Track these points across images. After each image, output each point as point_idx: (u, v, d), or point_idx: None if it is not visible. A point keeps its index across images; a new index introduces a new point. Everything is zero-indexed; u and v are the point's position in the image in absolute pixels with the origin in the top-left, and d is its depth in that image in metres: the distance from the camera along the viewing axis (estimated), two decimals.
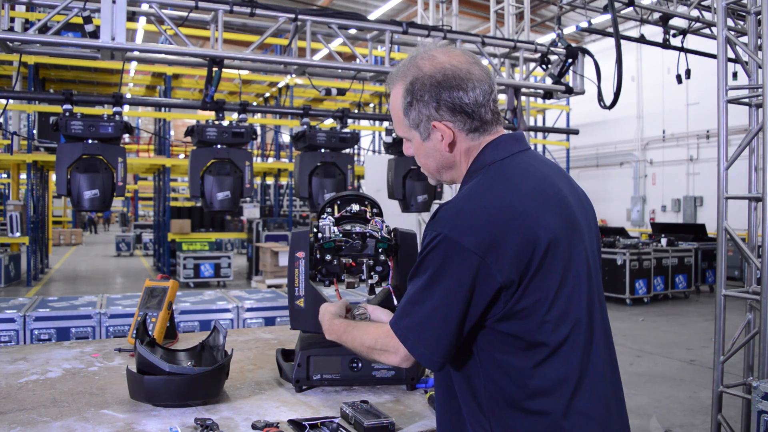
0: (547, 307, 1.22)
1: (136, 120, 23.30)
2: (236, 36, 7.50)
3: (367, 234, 1.88)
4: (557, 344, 1.22)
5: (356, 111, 6.04)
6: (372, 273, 1.90)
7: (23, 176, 14.54)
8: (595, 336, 1.29)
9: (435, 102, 1.30)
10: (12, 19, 5.98)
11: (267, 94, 18.61)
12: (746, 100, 4.12)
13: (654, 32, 6.15)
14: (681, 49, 6.08)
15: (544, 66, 5.21)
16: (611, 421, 1.28)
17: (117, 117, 3.59)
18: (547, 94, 5.40)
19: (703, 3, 5.90)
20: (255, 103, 18.43)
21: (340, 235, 1.86)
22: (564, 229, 1.26)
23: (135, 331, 2.03)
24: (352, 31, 4.50)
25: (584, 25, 6.72)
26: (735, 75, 5.61)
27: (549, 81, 5.32)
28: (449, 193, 7.05)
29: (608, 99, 4.99)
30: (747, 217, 4.25)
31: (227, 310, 4.44)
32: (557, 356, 1.22)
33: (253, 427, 1.54)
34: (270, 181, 21.48)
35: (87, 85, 16.46)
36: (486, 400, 1.26)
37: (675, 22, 5.99)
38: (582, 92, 5.27)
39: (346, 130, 4.33)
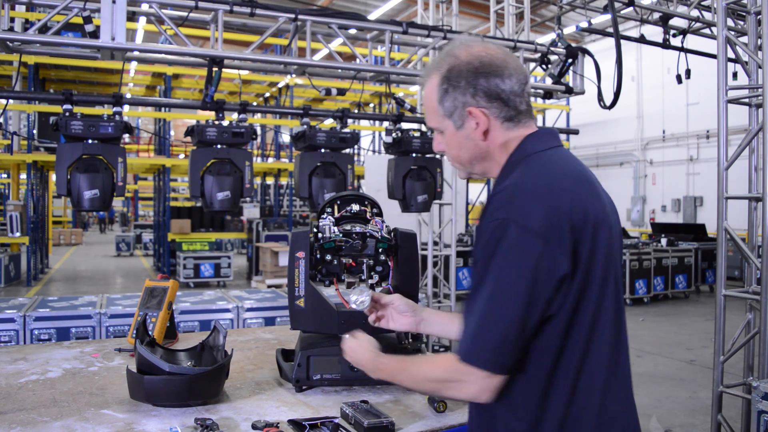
0: (589, 298, 1.20)
1: (136, 120, 23.30)
2: (236, 36, 7.49)
3: (367, 234, 1.88)
4: (591, 342, 1.22)
5: (356, 111, 6.04)
6: (372, 273, 1.90)
7: (23, 176, 14.54)
8: (621, 335, 1.30)
9: (472, 88, 1.30)
10: (12, 19, 5.98)
11: (267, 94, 18.60)
12: (746, 100, 4.12)
13: (654, 32, 6.14)
14: (681, 49, 6.08)
15: (544, 66, 5.21)
16: (632, 421, 1.30)
17: (117, 117, 3.59)
18: (547, 94, 5.39)
19: (703, 3, 5.89)
20: (255, 103, 18.42)
21: (340, 235, 1.86)
22: (604, 221, 1.26)
23: (135, 331, 2.03)
24: (352, 31, 4.49)
25: (584, 25, 6.71)
26: (735, 75, 5.61)
27: (549, 81, 5.31)
28: (449, 193, 7.05)
29: (608, 99, 4.99)
30: (747, 217, 4.25)
31: (227, 310, 4.44)
32: (590, 356, 1.22)
33: (253, 427, 1.53)
34: (270, 181, 21.48)
35: (87, 85, 16.46)
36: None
37: (675, 22, 5.99)
38: (582, 92, 5.26)
39: (346, 130, 4.32)
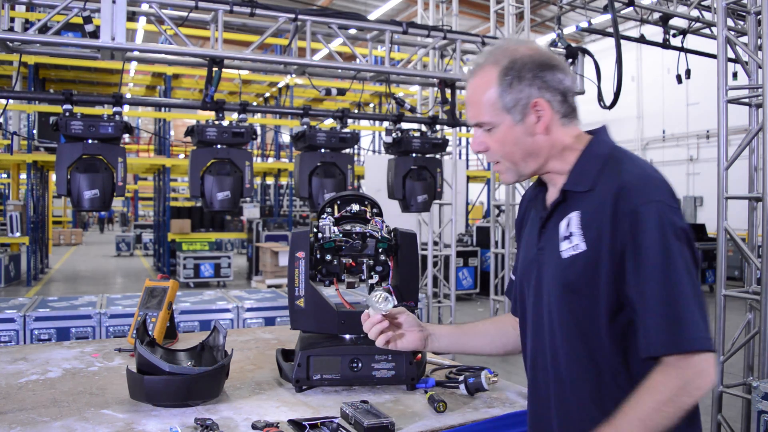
0: None
1: (136, 120, 23.30)
2: (236, 36, 7.49)
3: (367, 234, 1.88)
4: None
5: (356, 111, 6.04)
6: (372, 273, 1.89)
7: (23, 176, 14.54)
8: None
9: (539, 80, 1.28)
10: (12, 19, 5.98)
11: (267, 94, 18.61)
12: (746, 100, 4.12)
13: (654, 32, 6.14)
14: (681, 49, 6.08)
15: None
16: None
17: (117, 117, 3.59)
18: None
19: (703, 3, 5.89)
20: (255, 103, 18.42)
21: (340, 235, 1.86)
22: None
23: (135, 331, 2.03)
24: (352, 31, 4.49)
25: (584, 25, 6.71)
26: (735, 75, 5.61)
27: None
28: (449, 193, 7.05)
29: (608, 99, 4.98)
30: (747, 217, 4.25)
31: (227, 310, 4.44)
32: None
33: (253, 427, 1.53)
34: (270, 181, 21.48)
35: (87, 85, 16.46)
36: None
37: (675, 22, 5.99)
38: (582, 92, 5.26)
39: (346, 130, 4.32)
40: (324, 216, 1.93)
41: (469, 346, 1.64)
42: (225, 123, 3.88)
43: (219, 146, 3.84)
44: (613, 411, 1.16)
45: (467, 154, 18.91)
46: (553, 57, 1.31)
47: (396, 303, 1.52)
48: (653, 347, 1.14)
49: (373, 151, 15.82)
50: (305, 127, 4.24)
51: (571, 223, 1.28)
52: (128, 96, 8.70)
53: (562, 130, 1.32)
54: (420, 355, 1.94)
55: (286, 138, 17.94)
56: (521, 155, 1.32)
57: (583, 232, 1.25)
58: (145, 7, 3.78)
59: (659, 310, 1.14)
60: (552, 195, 1.38)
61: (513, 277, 1.54)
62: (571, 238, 1.27)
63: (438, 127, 4.78)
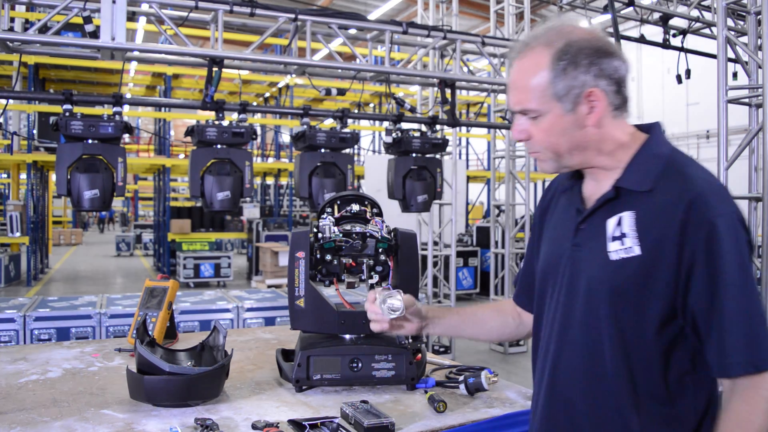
0: None
1: (136, 120, 23.29)
2: (236, 36, 7.49)
3: (367, 234, 1.88)
4: None
5: (356, 111, 6.04)
6: (372, 273, 1.89)
7: (23, 176, 14.54)
8: None
9: (595, 68, 1.17)
10: (12, 19, 5.98)
11: (267, 94, 18.60)
12: (746, 100, 4.12)
13: (654, 32, 6.14)
14: (681, 49, 6.07)
15: None
16: None
17: (117, 117, 3.59)
18: None
19: (703, 3, 5.89)
20: (255, 103, 18.42)
21: (340, 235, 1.86)
22: None
23: (135, 331, 2.03)
24: (352, 31, 4.49)
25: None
26: (735, 75, 5.62)
27: None
28: (449, 193, 7.05)
29: None
30: (746, 217, 4.25)
31: (227, 310, 4.44)
32: None
33: (253, 427, 1.53)
34: (270, 181, 21.48)
35: (87, 85, 16.46)
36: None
37: (675, 22, 5.99)
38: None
39: (346, 130, 4.32)
40: (324, 216, 1.93)
41: (465, 333, 1.62)
42: (225, 123, 3.88)
43: (219, 146, 3.84)
44: (648, 419, 1.15)
45: (467, 154, 18.93)
46: (609, 42, 1.21)
47: (404, 310, 1.45)
48: (732, 367, 1.10)
49: (373, 151, 15.83)
50: (305, 127, 4.24)
51: (624, 222, 1.19)
52: (128, 96, 8.71)
53: (613, 123, 1.22)
54: (420, 355, 1.94)
55: (286, 138, 17.95)
56: (567, 147, 1.23)
57: (638, 234, 1.16)
58: (145, 7, 3.78)
59: (739, 329, 1.09)
60: (592, 189, 1.29)
61: (523, 266, 1.50)
62: (624, 240, 1.18)
63: (438, 127, 4.78)
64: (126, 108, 3.76)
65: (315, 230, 1.88)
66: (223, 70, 3.85)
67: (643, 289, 1.15)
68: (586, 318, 1.22)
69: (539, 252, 1.41)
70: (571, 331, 1.26)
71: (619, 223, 1.19)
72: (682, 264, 1.12)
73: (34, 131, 12.92)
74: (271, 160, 19.49)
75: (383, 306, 1.44)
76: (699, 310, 1.12)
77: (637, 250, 1.16)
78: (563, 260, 1.29)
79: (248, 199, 9.56)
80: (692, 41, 6.17)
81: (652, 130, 1.26)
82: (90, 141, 3.53)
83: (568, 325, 1.26)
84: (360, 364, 1.84)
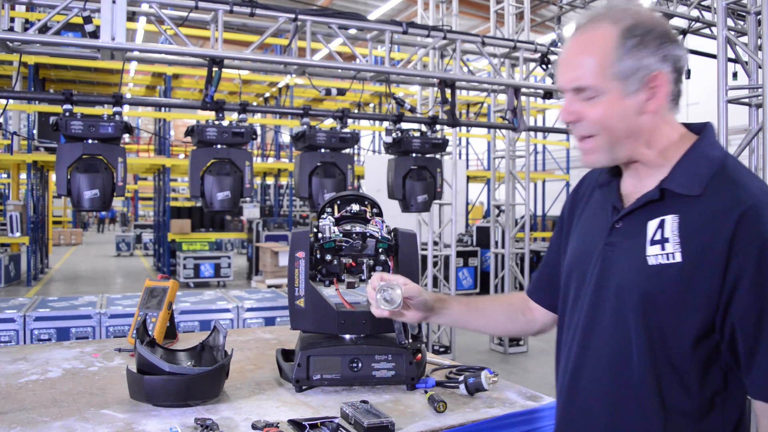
0: None
1: (136, 120, 23.31)
2: (236, 36, 7.50)
3: (367, 234, 1.88)
4: None
5: (356, 111, 6.04)
6: (372, 273, 1.89)
7: (23, 176, 14.55)
8: None
9: (663, 51, 1.10)
10: (12, 19, 5.98)
11: (267, 94, 18.61)
12: (746, 100, 4.12)
13: None
14: None
15: (544, 66, 5.21)
16: None
17: (117, 117, 3.59)
18: (547, 94, 5.40)
19: (703, 3, 5.90)
20: (255, 103, 18.43)
21: (340, 235, 1.86)
22: None
23: (135, 331, 2.03)
24: (352, 31, 4.50)
25: None
26: (735, 75, 5.62)
27: (549, 81, 5.32)
28: (449, 193, 7.05)
29: None
30: None
31: (227, 310, 4.44)
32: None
33: (253, 427, 1.53)
34: (270, 181, 21.50)
35: (87, 85, 16.47)
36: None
37: (675, 22, 5.99)
38: None
39: (346, 130, 4.33)
40: (324, 216, 1.93)
41: (471, 326, 1.58)
42: (225, 123, 3.88)
43: (219, 146, 3.84)
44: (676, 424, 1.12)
45: (467, 154, 18.93)
46: (671, 29, 1.14)
47: (400, 305, 1.45)
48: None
49: (373, 151, 15.84)
50: (305, 127, 4.24)
51: (666, 226, 1.11)
52: (128, 96, 8.71)
53: (667, 116, 1.16)
54: (420, 355, 1.94)
55: (286, 138, 17.95)
56: (623, 134, 1.13)
57: (681, 240, 1.09)
58: (145, 7, 3.78)
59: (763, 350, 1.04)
60: (631, 186, 1.21)
61: (544, 260, 1.45)
62: (665, 245, 1.10)
63: (438, 127, 4.79)
64: (126, 108, 3.76)
65: (315, 230, 1.88)
66: (223, 70, 3.85)
67: (680, 299, 1.08)
68: (614, 323, 1.16)
69: (566, 247, 1.34)
70: (596, 335, 1.20)
71: (660, 227, 1.12)
72: (728, 278, 1.05)
73: (34, 131, 12.93)
74: (271, 160, 19.50)
75: (378, 296, 1.44)
76: (743, 327, 1.06)
77: (678, 257, 1.09)
78: (593, 258, 1.22)
79: (248, 199, 9.56)
80: (692, 41, 6.18)
81: (704, 129, 1.18)
82: (90, 141, 3.53)
83: (594, 328, 1.20)
84: (360, 364, 1.84)
